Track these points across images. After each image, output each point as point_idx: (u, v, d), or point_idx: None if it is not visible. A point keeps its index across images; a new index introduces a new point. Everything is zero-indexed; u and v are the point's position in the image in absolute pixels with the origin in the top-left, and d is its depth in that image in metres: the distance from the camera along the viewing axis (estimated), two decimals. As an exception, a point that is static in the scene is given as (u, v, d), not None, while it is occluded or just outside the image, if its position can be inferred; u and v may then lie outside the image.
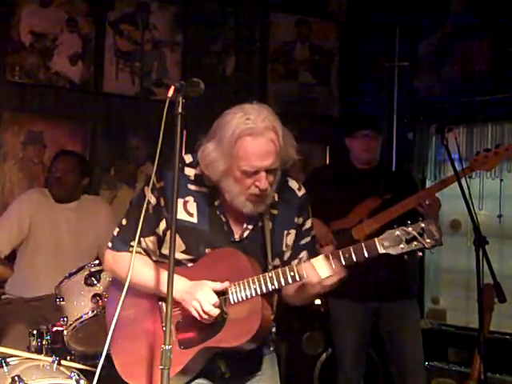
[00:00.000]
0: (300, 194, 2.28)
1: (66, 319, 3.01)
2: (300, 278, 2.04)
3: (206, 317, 2.04)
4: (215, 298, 2.04)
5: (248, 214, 2.16)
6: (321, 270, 2.02)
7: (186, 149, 2.33)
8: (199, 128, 2.18)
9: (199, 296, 2.03)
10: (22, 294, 3.69)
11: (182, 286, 2.06)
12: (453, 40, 4.72)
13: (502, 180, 4.42)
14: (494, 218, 4.45)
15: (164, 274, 2.06)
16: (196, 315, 2.05)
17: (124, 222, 2.22)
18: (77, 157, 4.03)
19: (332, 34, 5.34)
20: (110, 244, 2.25)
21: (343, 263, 2.00)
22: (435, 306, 4.80)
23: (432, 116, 4.56)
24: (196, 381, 2.17)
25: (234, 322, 2.05)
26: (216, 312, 2.04)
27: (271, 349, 2.30)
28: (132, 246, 2.11)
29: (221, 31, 4.95)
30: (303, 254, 2.25)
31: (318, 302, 4.18)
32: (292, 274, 2.04)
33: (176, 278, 1.91)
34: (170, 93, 1.91)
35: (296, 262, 2.21)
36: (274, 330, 2.32)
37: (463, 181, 3.10)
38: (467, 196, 2.99)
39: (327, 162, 5.15)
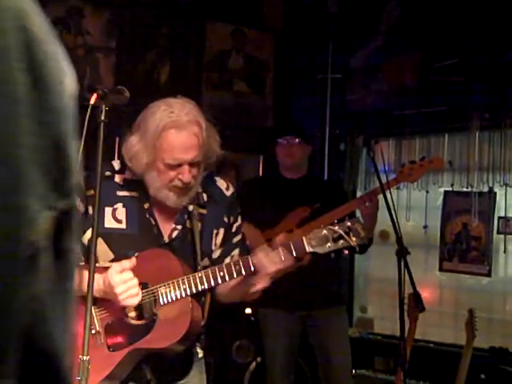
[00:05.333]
0: (228, 193, 2.30)
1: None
2: (246, 270, 2.06)
3: (128, 295, 2.00)
4: (125, 275, 2.01)
5: (176, 215, 2.18)
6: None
7: (119, 156, 2.30)
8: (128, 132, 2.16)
9: (114, 281, 2.00)
10: None
11: (97, 283, 2.00)
12: (384, 54, 4.84)
13: (427, 192, 4.55)
14: (420, 228, 4.57)
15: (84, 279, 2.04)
16: (124, 298, 2.00)
17: None
18: None
19: (267, 44, 5.39)
20: None
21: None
22: (363, 315, 4.88)
23: (363, 128, 4.66)
24: None
25: (164, 323, 2.05)
26: (134, 282, 2.01)
27: (199, 356, 2.30)
28: None
29: (156, 38, 4.92)
30: (235, 252, 2.27)
31: (248, 310, 4.19)
32: (237, 267, 2.06)
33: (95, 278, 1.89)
34: (93, 100, 1.89)
35: (229, 259, 2.23)
36: (203, 336, 2.31)
37: (389, 192, 3.17)
38: (391, 207, 3.06)
39: (260, 172, 5.18)
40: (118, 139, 4.43)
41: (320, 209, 3.55)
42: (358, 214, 3.59)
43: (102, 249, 2.14)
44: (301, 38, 5.28)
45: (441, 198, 4.51)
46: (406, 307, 3.21)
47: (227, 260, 2.22)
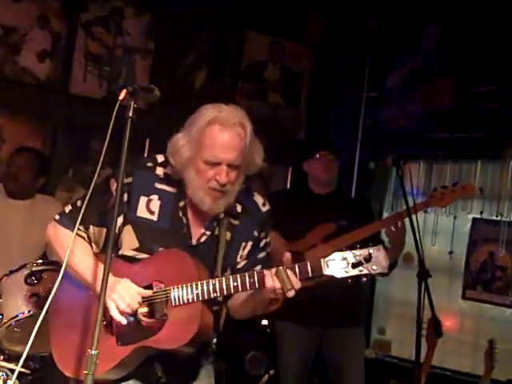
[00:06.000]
0: (264, 209, 2.29)
1: (1, 317, 2.95)
2: (259, 284, 2.02)
3: (119, 316, 2.00)
4: (133, 295, 2.02)
5: (208, 220, 2.18)
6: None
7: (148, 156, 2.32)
8: (161, 135, 2.19)
9: (116, 292, 2.00)
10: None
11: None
12: (421, 75, 4.80)
13: (455, 217, 4.48)
14: (445, 254, 4.51)
15: (98, 268, 2.05)
16: (112, 311, 2.01)
17: (79, 203, 2.18)
18: (36, 154, 3.97)
19: (304, 57, 5.39)
20: (57, 217, 2.22)
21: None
22: (381, 337, 4.82)
23: (394, 148, 4.62)
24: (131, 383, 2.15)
25: (173, 325, 2.04)
26: (134, 307, 2.01)
27: (210, 360, 2.29)
28: (79, 229, 2.11)
29: (194, 44, 4.95)
30: (258, 267, 2.23)
31: (265, 322, 4.17)
32: (251, 280, 2.02)
33: (101, 274, 1.89)
34: (122, 96, 1.91)
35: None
36: (214, 341, 2.31)
37: (415, 215, 3.13)
38: (415, 230, 3.02)
39: (288, 184, 5.17)
40: (148, 141, 4.49)
41: (346, 226, 3.52)
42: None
43: (129, 236, 2.15)
44: (339, 54, 5.26)
45: (468, 224, 4.44)
46: (424, 332, 3.15)
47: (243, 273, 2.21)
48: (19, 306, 2.98)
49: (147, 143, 4.46)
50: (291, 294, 1.97)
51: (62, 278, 1.92)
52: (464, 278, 4.37)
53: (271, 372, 4.14)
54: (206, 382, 2.27)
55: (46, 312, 1.88)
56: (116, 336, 2.08)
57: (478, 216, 4.37)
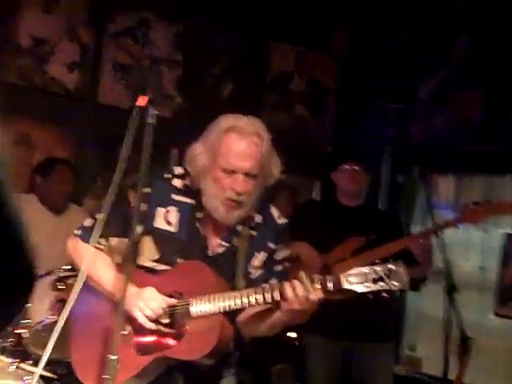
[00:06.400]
0: (280, 221, 2.29)
1: (28, 322, 2.95)
2: (279, 296, 1.99)
3: (148, 323, 2.03)
4: (158, 302, 2.04)
5: (225, 231, 2.18)
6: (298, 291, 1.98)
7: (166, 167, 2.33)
8: (187, 146, 2.19)
9: (142, 300, 2.03)
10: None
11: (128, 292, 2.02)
12: (450, 87, 4.75)
13: (485, 232, 4.41)
14: (476, 269, 4.44)
15: (119, 280, 2.04)
16: (140, 319, 2.03)
17: (98, 216, 2.16)
18: (71, 166, 4.02)
19: (331, 69, 5.36)
20: (77, 231, 2.24)
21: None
22: (412, 353, 4.74)
23: (422, 161, 4.57)
24: None
25: (192, 336, 2.03)
26: (159, 313, 2.03)
27: (232, 371, 2.28)
28: (98, 242, 2.11)
29: (221, 55, 4.94)
30: (273, 280, 2.20)
31: (292, 335, 4.12)
32: (270, 293, 2.00)
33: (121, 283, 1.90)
34: (141, 102, 1.91)
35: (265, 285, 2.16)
36: (237, 353, 2.29)
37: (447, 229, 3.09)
38: (442, 244, 2.98)
39: (313, 196, 5.13)
40: (174, 150, 4.48)
41: (375, 240, 3.47)
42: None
43: (148, 246, 2.16)
44: (366, 65, 5.22)
45: (499, 239, 4.37)
46: (455, 349, 3.09)
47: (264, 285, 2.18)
48: (45, 311, 3.00)
49: (174, 153, 4.44)
50: (313, 297, 1.95)
51: (83, 288, 1.94)
52: (496, 293, 4.29)
53: (298, 386, 4.09)
54: None
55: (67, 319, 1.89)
56: (136, 346, 2.09)
57: (511, 231, 4.30)
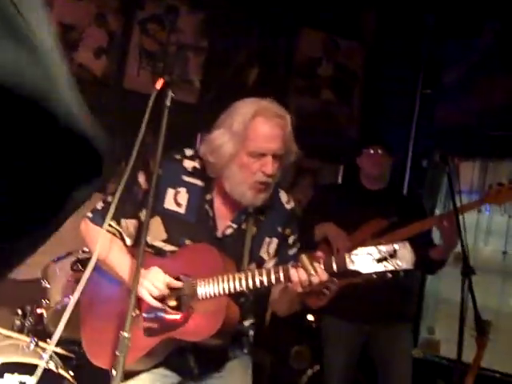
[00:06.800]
0: (288, 206, 2.31)
1: (48, 302, 3.02)
2: (285, 279, 2.03)
3: (154, 301, 2.06)
4: (163, 281, 2.07)
5: (235, 213, 2.21)
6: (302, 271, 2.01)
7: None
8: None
9: (147, 279, 2.06)
10: (14, 275, 3.72)
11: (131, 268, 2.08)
12: (477, 72, 4.70)
13: (510, 217, 4.36)
14: (499, 254, 4.39)
15: (131, 263, 2.09)
16: (146, 297, 2.07)
17: (109, 198, 2.23)
18: None
19: (358, 54, 5.34)
20: (89, 214, 2.27)
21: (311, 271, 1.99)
22: (430, 336, 4.73)
23: (448, 146, 4.53)
24: (162, 372, 2.20)
25: (199, 317, 2.07)
26: (163, 292, 2.07)
27: (245, 351, 2.32)
28: (110, 225, 2.15)
29: (247, 40, 4.97)
30: (290, 264, 2.24)
31: (310, 317, 4.16)
32: (277, 275, 2.04)
33: (133, 267, 1.94)
34: (159, 85, 1.93)
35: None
36: (251, 333, 2.34)
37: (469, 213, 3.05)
38: (461, 228, 2.97)
39: (339, 181, 5.14)
40: (199, 135, 4.55)
41: (397, 223, 3.48)
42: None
43: (157, 227, 2.18)
44: (394, 50, 5.19)
45: (524, 224, 4.32)
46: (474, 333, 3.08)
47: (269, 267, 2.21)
48: (65, 292, 3.05)
49: (198, 138, 4.51)
50: (316, 280, 1.97)
51: (94, 270, 1.96)
52: (518, 278, 4.25)
53: (315, 367, 4.13)
54: (240, 372, 2.31)
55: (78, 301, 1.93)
56: (144, 328, 2.13)
57: (534, 216, 4.25)
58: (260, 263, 2.24)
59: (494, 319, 3.40)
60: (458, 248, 4.03)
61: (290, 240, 2.29)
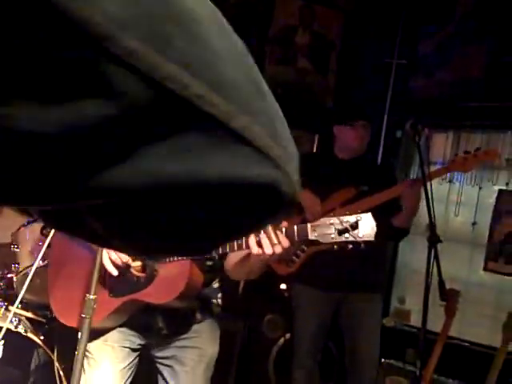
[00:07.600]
0: None
1: (18, 266, 3.01)
2: (247, 245, 2.04)
3: (113, 269, 2.09)
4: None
5: None
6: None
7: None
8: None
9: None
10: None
11: None
12: (452, 43, 4.70)
13: (480, 188, 4.41)
14: (469, 225, 4.46)
15: None
16: (106, 263, 2.09)
17: None
18: None
19: (336, 23, 5.30)
20: None
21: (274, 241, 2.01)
22: (401, 306, 4.80)
23: (421, 117, 4.54)
24: (131, 332, 2.24)
25: (162, 281, 2.11)
26: (125, 258, 2.09)
27: (213, 315, 2.36)
28: None
29: (222, 8, 4.89)
30: None
31: (283, 286, 4.19)
32: (240, 242, 2.04)
33: None
34: None
35: None
36: (219, 295, 2.37)
37: (440, 183, 3.08)
38: (429, 197, 3.00)
39: (314, 150, 5.14)
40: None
41: (368, 192, 3.50)
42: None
43: None
44: (371, 20, 5.16)
45: (494, 195, 4.37)
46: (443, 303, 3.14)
47: None
48: (34, 256, 3.04)
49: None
50: (278, 249, 1.99)
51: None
52: (486, 249, 4.31)
53: (287, 335, 4.18)
54: (208, 334, 2.34)
55: (46, 265, 1.93)
56: (108, 288, 2.17)
57: (504, 187, 4.30)
58: None
59: (463, 289, 3.44)
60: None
61: None
